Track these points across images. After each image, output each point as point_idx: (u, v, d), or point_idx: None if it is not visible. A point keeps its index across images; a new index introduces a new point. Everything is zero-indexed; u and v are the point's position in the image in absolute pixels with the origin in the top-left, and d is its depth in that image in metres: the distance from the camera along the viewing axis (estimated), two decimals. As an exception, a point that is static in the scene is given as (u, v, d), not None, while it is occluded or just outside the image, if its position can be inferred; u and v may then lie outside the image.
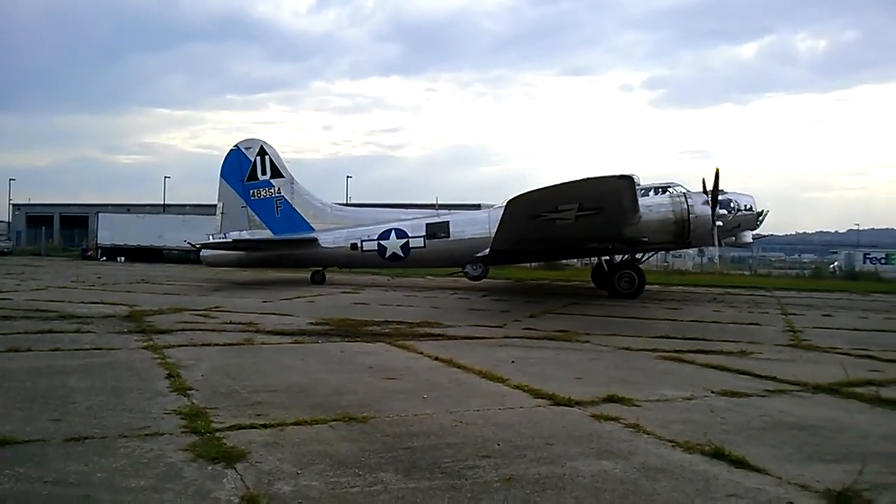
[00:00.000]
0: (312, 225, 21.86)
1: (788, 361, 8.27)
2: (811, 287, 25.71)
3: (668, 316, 13.62)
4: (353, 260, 21.23)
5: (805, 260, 50.54)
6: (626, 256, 19.19)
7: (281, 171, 22.26)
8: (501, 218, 16.01)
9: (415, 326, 10.62)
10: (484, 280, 21.09)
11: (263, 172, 22.13)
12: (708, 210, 17.58)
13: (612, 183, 14.27)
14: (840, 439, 4.77)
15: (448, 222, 20.40)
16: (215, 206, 22.67)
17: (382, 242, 20.48)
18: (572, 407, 5.50)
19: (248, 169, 22.15)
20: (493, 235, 18.44)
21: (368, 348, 8.56)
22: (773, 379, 6.93)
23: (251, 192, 22.10)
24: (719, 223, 17.57)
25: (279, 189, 22.08)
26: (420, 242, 20.23)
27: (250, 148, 22.33)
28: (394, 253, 20.41)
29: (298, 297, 16.13)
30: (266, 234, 21.86)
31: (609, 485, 3.71)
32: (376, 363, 7.37)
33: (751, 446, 4.45)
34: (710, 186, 17.68)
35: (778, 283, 28.70)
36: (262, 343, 8.76)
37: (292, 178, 22.45)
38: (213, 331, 9.81)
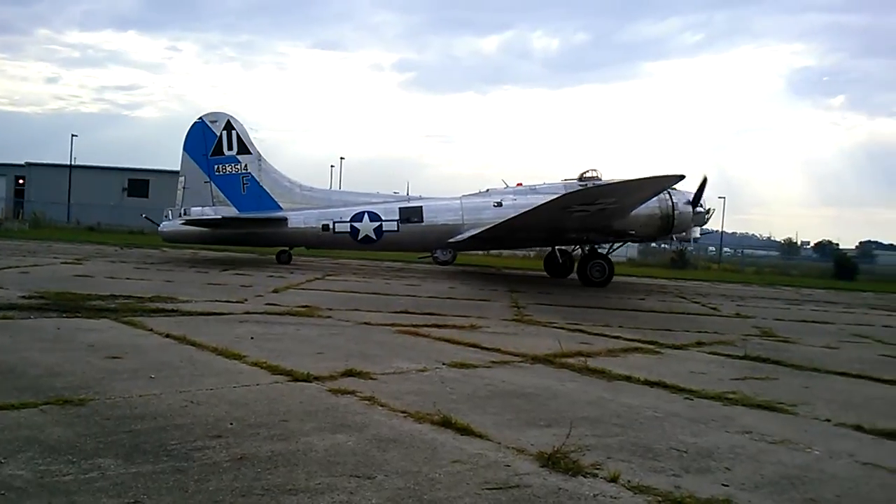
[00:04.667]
0: (280, 204, 21.03)
1: (512, 335, 8.95)
2: (535, 267, 27.98)
3: (408, 292, 14.11)
4: (324, 241, 20.85)
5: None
6: (588, 248, 20.12)
7: (248, 147, 21.18)
8: (542, 205, 17.00)
9: (145, 301, 9.95)
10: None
11: (230, 148, 21.00)
12: (689, 207, 19.61)
13: (671, 181, 15.69)
14: (553, 405, 5.25)
15: (422, 208, 20.62)
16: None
17: (355, 225, 20.27)
18: (310, 382, 5.49)
19: (213, 143, 20.93)
20: (464, 222, 20.05)
21: (90, 325, 7.86)
22: (498, 351, 7.47)
23: (216, 167, 20.93)
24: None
25: (246, 166, 21.06)
26: (394, 226, 20.25)
27: (216, 122, 21.02)
28: (366, 235, 20.27)
29: (10, 268, 14.41)
30: (231, 211, 20.73)
31: (342, 458, 3.76)
32: (98, 341, 6.79)
33: (476, 414, 4.76)
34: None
35: (508, 262, 30.93)
36: (-39, 319, 7.71)
37: (260, 156, 21.34)
38: None
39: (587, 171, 20.21)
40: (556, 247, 20.97)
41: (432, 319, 9.72)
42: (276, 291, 12.71)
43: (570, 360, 7.05)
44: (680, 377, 6.54)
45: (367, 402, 4.97)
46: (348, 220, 20.41)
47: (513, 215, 18.28)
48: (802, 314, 15.12)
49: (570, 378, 6.35)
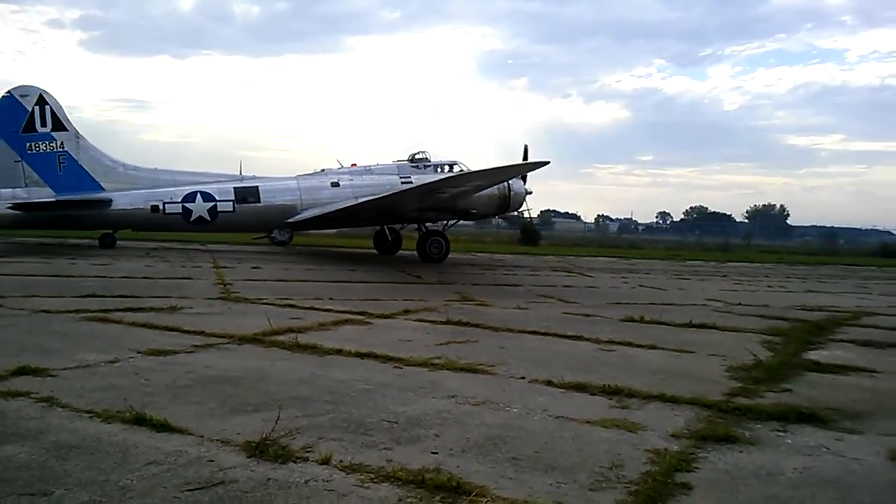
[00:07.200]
0: (102, 184, 19.78)
1: (218, 315, 8.48)
2: (241, 241, 27.11)
3: (98, 273, 12.81)
4: (154, 223, 19.94)
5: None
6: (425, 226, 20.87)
7: (64, 123, 19.67)
8: (412, 188, 18.04)
9: None
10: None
11: (43, 124, 19.41)
12: (523, 189, 21.48)
13: (537, 166, 17.31)
14: (261, 388, 4.99)
15: (258, 188, 20.43)
16: None
17: (187, 205, 19.58)
18: (-29, 386, 4.66)
19: (23, 119, 19.29)
20: (302, 202, 20.34)
21: None
22: (202, 333, 7.00)
23: (28, 145, 19.27)
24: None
25: (62, 143, 19.59)
26: (229, 206, 19.87)
27: (26, 96, 19.32)
28: (200, 216, 19.67)
29: None
30: (47, 192, 19.12)
31: (12, 473, 3.20)
32: None
33: (175, 407, 4.36)
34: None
35: (213, 238, 29.46)
36: None
37: (77, 132, 19.88)
38: None
39: (418, 153, 21.32)
40: (386, 225, 21.26)
41: (126, 303, 8.86)
42: (-72, 279, 10.77)
43: (281, 338, 6.83)
44: (389, 346, 6.63)
45: (44, 403, 4.31)
46: (179, 200, 19.62)
47: (381, 195, 18.65)
48: (496, 278, 16.36)
49: (280, 357, 6.13)
